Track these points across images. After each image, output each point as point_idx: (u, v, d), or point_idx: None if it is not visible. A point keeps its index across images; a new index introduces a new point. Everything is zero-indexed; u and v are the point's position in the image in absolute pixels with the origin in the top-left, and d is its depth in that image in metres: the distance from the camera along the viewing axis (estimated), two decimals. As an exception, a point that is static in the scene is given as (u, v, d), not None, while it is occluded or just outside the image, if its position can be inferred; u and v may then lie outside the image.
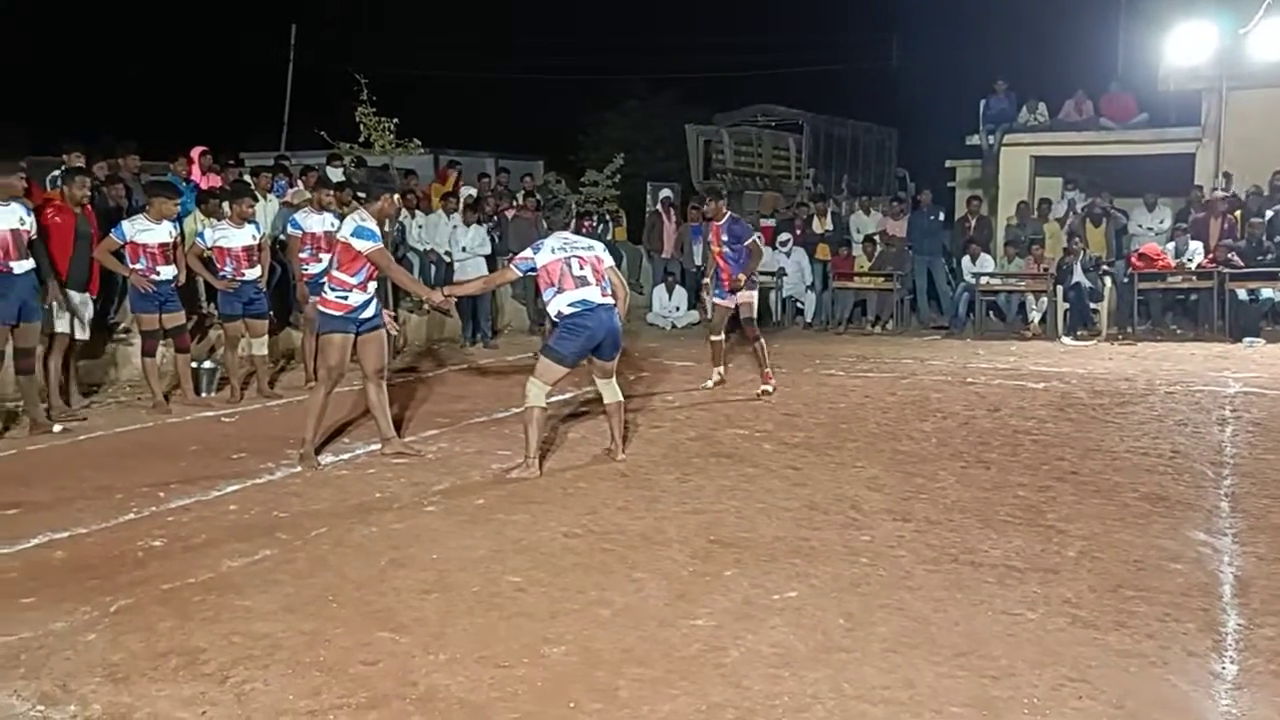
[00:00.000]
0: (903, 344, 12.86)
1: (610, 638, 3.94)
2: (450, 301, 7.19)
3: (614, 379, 6.70)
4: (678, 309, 14.85)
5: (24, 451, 7.05)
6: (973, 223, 14.70)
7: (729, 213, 9.25)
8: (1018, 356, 11.59)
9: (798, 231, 15.01)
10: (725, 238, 9.03)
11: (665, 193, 16.66)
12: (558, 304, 6.33)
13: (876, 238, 14.50)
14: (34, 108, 20.63)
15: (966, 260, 14.06)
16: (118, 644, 3.88)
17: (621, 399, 6.81)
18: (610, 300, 6.42)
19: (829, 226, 15.31)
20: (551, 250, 6.41)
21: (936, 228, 14.76)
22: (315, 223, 9.31)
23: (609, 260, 6.62)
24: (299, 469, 6.48)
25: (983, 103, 16.93)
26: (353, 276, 6.44)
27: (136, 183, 9.97)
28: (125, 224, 8.23)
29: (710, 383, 9.43)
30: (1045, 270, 13.43)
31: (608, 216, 15.93)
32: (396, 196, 7.29)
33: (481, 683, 3.57)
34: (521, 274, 6.76)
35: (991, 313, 14.12)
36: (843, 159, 21.09)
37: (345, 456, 6.85)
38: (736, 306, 9.14)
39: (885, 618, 4.13)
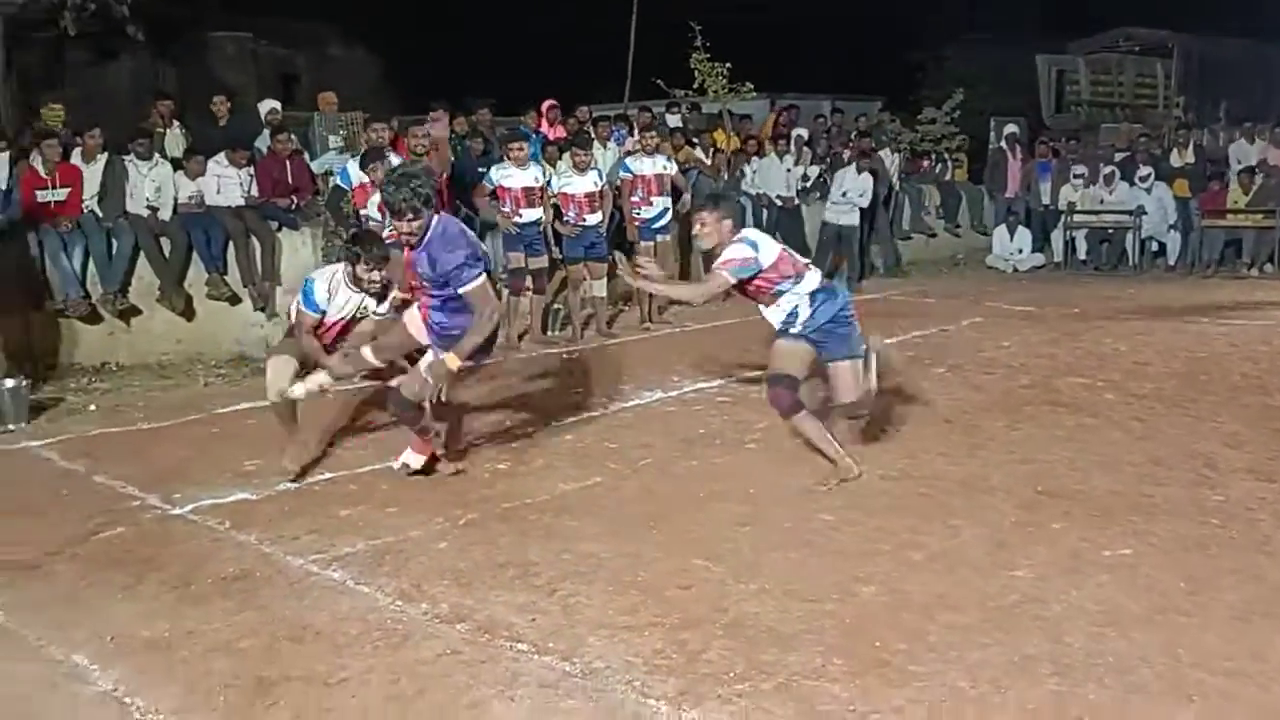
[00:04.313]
0: (1285, 289, 11.44)
1: (922, 581, 3.88)
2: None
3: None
4: (1020, 251, 14.01)
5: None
6: (1385, 149, 12.72)
7: (440, 217, 4.77)
8: None
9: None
10: (420, 269, 4.77)
11: (1010, 128, 15.64)
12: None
13: (1256, 168, 12.89)
14: (409, 72, 22.74)
15: (1375, 193, 12.23)
16: (464, 553, 4.31)
17: None
18: None
19: (1189, 159, 13.75)
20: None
21: (1334, 156, 12.88)
22: (646, 165, 9.61)
23: None
24: (631, 404, 6.82)
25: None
26: None
27: (492, 134, 10.75)
28: (493, 170, 8.92)
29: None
30: None
31: (946, 156, 15.26)
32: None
33: (789, 614, 3.64)
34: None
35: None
36: (1223, 83, 18.86)
37: (674, 394, 7.11)
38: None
39: (1235, 584, 3.78)
